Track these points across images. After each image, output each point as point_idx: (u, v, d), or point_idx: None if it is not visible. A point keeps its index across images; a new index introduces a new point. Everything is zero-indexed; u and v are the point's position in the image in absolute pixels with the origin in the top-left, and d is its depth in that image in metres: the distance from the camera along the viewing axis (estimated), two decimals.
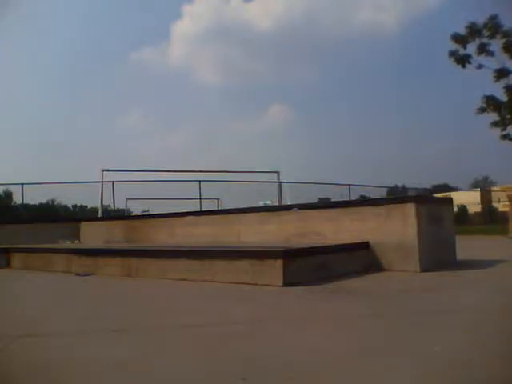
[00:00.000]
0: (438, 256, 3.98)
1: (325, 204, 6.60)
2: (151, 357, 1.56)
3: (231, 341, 1.77)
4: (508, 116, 14.47)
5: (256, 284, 3.14)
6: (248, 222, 5.00)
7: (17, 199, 17.00)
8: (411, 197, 4.63)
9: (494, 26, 14.24)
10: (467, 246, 5.50)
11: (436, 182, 32.60)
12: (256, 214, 5.13)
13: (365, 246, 3.92)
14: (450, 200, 4.81)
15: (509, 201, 10.80)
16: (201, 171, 16.31)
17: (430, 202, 4.47)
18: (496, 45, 14.33)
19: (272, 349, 1.63)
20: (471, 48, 14.65)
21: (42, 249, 5.23)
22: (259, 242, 4.33)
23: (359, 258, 3.84)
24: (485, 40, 14.45)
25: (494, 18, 14.27)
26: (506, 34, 14.11)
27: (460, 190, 26.81)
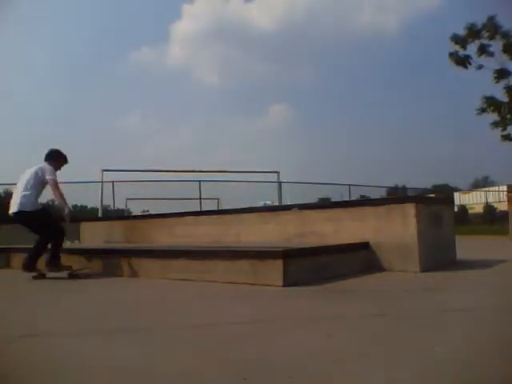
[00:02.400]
0: (437, 256, 3.99)
1: (325, 204, 6.59)
2: (151, 356, 1.56)
3: (231, 341, 1.77)
4: (508, 116, 14.45)
5: (256, 284, 3.14)
6: (248, 222, 5.00)
7: None
8: (411, 197, 4.64)
9: (493, 27, 14.21)
10: (467, 246, 5.50)
11: (436, 182, 32.63)
12: (256, 214, 5.13)
13: (365, 246, 3.92)
14: (450, 200, 4.82)
15: (509, 201, 10.79)
16: (201, 171, 16.28)
17: (429, 202, 4.47)
18: (496, 45, 14.31)
19: (272, 349, 1.63)
20: (471, 48, 14.63)
21: None
22: (259, 242, 4.33)
23: (359, 258, 3.84)
24: (484, 41, 14.42)
25: (492, 18, 14.24)
26: (504, 35, 14.08)
27: (460, 190, 26.76)
